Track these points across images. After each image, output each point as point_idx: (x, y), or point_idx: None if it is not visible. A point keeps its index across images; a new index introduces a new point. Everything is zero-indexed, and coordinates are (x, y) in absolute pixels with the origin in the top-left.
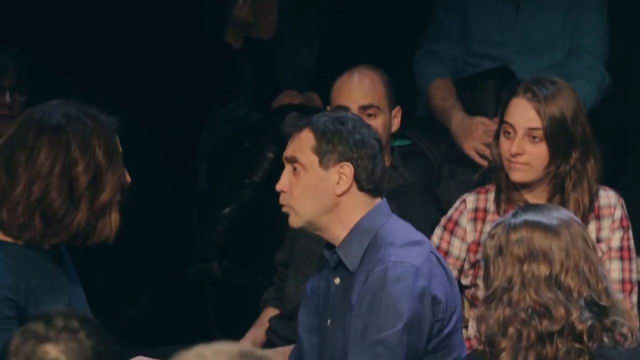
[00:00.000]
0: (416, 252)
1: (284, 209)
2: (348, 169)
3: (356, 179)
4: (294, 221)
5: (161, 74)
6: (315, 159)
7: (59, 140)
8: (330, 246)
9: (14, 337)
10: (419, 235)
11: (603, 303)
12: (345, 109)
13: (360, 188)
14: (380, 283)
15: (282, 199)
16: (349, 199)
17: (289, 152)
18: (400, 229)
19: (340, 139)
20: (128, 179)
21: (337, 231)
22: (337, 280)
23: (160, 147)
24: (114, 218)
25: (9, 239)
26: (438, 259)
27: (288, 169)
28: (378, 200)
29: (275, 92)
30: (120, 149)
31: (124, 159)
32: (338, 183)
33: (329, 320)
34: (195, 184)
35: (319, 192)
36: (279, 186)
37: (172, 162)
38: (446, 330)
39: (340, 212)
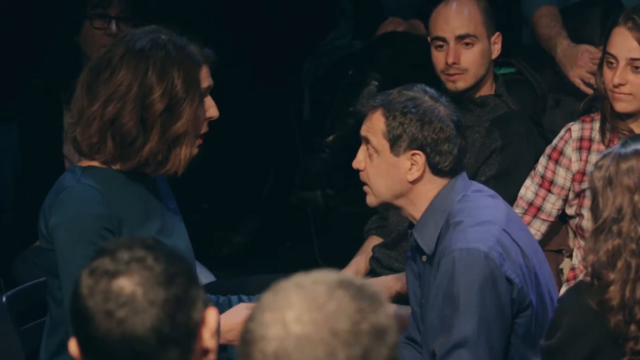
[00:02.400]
0: (485, 234)
1: (364, 188)
2: (419, 158)
3: (430, 164)
4: (370, 200)
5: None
6: (386, 144)
7: (138, 64)
8: (411, 225)
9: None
10: (491, 211)
11: None
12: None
13: (436, 172)
14: (450, 276)
15: (361, 177)
16: (423, 183)
17: (363, 131)
18: (472, 206)
19: (411, 125)
20: (215, 113)
21: (413, 212)
22: (424, 258)
23: (264, 75)
24: (185, 151)
25: (97, 164)
26: (511, 236)
27: (364, 147)
28: (456, 177)
29: (378, 20)
30: (205, 83)
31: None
32: (410, 170)
33: (423, 299)
34: (299, 112)
35: (391, 177)
36: (354, 163)
37: (276, 90)
38: (528, 313)
39: (414, 195)
